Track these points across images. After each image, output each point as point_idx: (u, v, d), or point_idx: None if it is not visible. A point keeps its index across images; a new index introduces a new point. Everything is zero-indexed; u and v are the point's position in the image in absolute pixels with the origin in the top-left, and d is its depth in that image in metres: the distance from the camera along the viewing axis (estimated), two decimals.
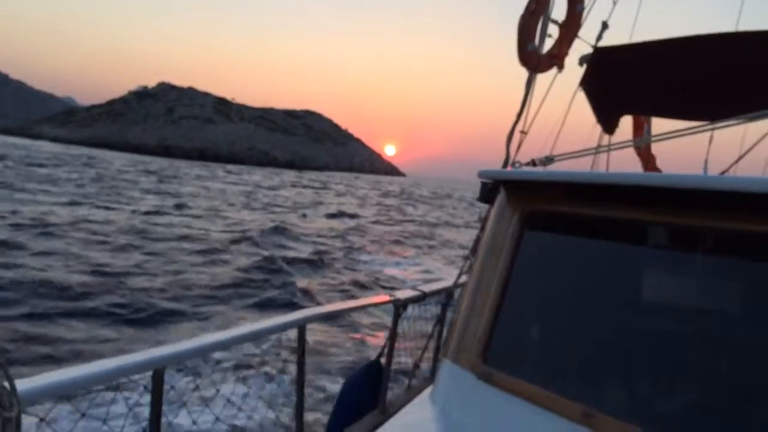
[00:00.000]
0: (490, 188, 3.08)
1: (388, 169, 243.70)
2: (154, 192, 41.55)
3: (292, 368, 3.48)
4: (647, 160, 6.73)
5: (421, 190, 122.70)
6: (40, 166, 55.27)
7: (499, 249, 2.75)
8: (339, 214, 39.34)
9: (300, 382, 3.56)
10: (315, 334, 11.17)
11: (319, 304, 13.21)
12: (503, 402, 2.39)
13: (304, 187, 74.35)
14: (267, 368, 9.20)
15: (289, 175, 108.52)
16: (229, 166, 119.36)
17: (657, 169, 6.79)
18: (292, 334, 3.52)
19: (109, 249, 18.10)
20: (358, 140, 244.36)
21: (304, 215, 35.91)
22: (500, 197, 2.94)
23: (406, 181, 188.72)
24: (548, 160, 3.52)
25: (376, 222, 37.95)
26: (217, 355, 9.27)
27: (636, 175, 2.48)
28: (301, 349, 3.52)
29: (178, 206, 32.60)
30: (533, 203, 2.72)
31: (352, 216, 39.60)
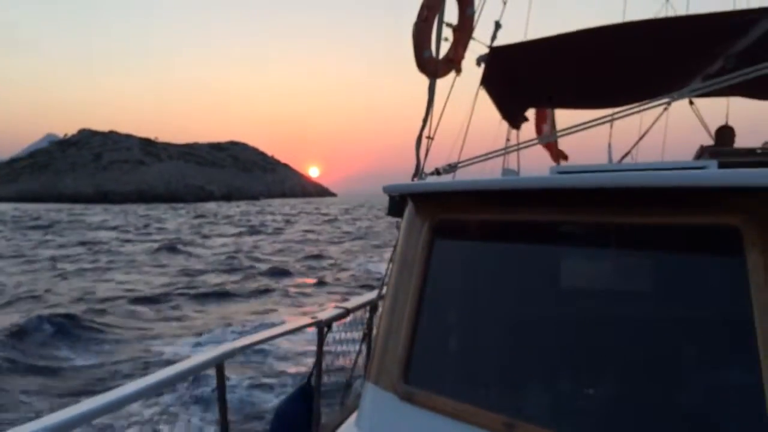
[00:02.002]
0: (398, 201, 3.07)
1: (320, 191, 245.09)
2: None
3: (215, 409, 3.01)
4: (553, 151, 7.11)
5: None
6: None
7: (411, 262, 2.70)
8: None
9: (223, 425, 3.42)
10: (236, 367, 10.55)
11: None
12: (426, 421, 2.37)
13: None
14: (185, 415, 8.52)
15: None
16: (181, 205, 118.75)
17: (564, 157, 7.16)
18: (211, 372, 3.33)
19: None
20: (286, 165, 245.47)
21: None
22: (408, 209, 2.90)
23: (342, 201, 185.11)
24: (451, 168, 3.57)
25: None
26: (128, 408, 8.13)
27: (535, 178, 2.51)
28: (221, 388, 3.33)
29: None
30: (441, 213, 2.68)
31: None
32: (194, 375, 3.21)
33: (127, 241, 38.30)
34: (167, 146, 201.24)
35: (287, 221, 65.81)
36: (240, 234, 45.54)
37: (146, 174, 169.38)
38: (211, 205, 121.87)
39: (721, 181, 1.92)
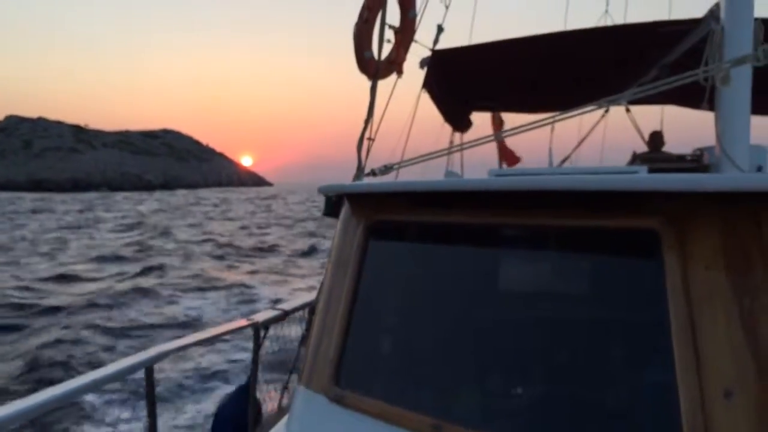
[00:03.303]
0: (335, 201, 3.03)
1: (256, 180, 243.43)
2: None
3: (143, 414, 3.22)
4: (504, 153, 7.15)
5: None
6: None
7: (346, 263, 2.67)
8: None
9: (152, 429, 3.31)
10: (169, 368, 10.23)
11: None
12: (355, 423, 2.36)
13: None
14: (112, 418, 8.40)
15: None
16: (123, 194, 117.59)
17: (516, 159, 7.17)
18: (140, 375, 3.23)
19: None
20: (221, 155, 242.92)
21: None
22: (344, 210, 2.87)
23: (279, 190, 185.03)
24: (387, 169, 3.51)
25: None
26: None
27: (468, 181, 2.55)
28: (150, 392, 3.24)
29: None
30: (376, 214, 2.67)
31: None
32: (123, 378, 3.15)
33: None
34: (99, 134, 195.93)
35: None
36: None
37: (81, 162, 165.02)
38: (160, 194, 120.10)
39: (641, 186, 1.97)
